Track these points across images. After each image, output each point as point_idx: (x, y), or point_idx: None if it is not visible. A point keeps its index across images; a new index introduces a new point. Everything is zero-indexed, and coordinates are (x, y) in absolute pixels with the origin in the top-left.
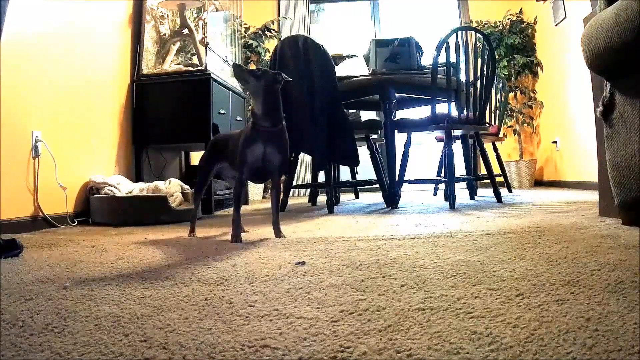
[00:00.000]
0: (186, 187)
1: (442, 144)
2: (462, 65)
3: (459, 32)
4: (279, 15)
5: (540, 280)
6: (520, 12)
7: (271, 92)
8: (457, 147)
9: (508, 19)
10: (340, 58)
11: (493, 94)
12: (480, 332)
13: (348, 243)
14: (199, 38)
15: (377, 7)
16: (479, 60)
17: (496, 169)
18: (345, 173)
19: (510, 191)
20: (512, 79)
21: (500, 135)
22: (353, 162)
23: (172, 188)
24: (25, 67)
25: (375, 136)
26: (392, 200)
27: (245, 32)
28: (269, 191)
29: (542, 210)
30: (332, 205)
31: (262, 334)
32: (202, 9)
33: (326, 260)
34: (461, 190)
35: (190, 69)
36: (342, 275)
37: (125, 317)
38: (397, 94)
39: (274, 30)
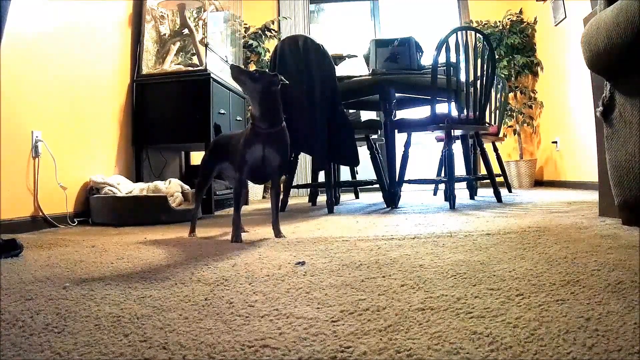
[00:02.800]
0: (186, 187)
1: (442, 144)
2: (462, 65)
3: (459, 32)
4: (279, 15)
5: (540, 280)
6: (520, 12)
7: (269, 94)
8: (457, 147)
9: (508, 19)
10: (340, 58)
11: (493, 94)
12: (480, 332)
13: (348, 243)
14: (199, 38)
15: (377, 7)
16: (479, 60)
17: (496, 169)
18: (345, 173)
19: (510, 191)
20: (512, 79)
21: (500, 135)
22: (353, 162)
23: (172, 188)
24: (25, 67)
25: (375, 136)
26: (392, 200)
27: (245, 32)
28: (269, 191)
29: (542, 210)
30: (332, 205)
31: (262, 334)
32: (202, 9)
33: (326, 260)
34: (461, 190)
35: (190, 69)
36: (342, 275)
37: (125, 317)
38: (397, 94)
39: (274, 30)
